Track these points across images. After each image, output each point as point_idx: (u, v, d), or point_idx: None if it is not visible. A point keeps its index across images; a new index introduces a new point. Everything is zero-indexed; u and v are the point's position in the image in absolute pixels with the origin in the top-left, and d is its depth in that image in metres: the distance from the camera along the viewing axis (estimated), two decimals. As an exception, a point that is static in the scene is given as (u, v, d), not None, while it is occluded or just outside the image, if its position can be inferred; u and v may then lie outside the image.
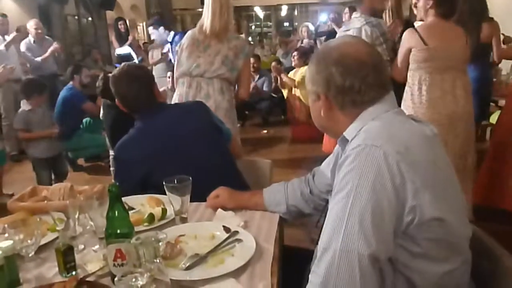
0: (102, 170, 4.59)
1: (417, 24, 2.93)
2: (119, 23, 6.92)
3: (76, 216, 1.29)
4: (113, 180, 1.83)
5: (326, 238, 0.95)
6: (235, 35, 2.68)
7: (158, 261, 0.95)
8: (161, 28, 4.81)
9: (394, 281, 0.99)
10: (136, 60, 6.26)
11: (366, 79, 1.04)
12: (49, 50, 5.39)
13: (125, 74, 1.74)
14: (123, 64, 1.83)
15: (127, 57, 6.28)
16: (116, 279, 0.90)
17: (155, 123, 1.73)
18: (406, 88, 2.63)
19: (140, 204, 1.55)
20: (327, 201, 1.41)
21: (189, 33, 2.67)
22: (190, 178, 1.36)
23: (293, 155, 4.87)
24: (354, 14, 3.01)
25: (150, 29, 4.88)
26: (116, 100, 1.80)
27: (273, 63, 5.78)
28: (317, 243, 1.23)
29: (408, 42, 2.55)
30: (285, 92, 5.61)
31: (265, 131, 5.89)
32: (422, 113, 2.48)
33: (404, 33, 2.58)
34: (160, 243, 0.95)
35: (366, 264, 0.89)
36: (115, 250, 1.03)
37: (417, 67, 2.55)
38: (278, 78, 5.56)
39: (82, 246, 1.28)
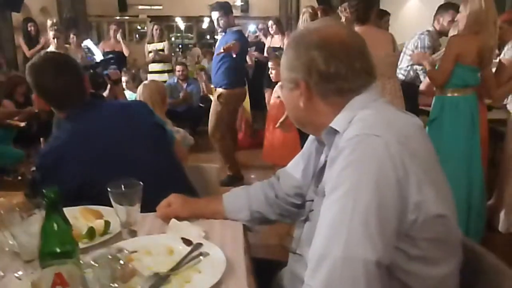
0: (8, 186, 4.03)
1: None
2: (29, 24, 6.29)
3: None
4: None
5: (323, 245, 0.81)
6: None
7: (116, 285, 0.74)
8: None
9: None
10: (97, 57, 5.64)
11: (353, 64, 0.94)
12: None
13: (51, 63, 1.46)
14: (42, 51, 1.55)
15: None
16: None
17: (90, 122, 1.47)
18: None
19: (73, 218, 1.29)
20: (294, 205, 1.28)
21: None
22: (141, 183, 1.15)
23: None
24: None
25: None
26: (33, 95, 1.52)
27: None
28: (294, 252, 1.10)
29: None
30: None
31: None
32: None
33: None
34: (121, 262, 0.74)
35: (373, 272, 0.77)
36: (53, 274, 0.79)
37: None
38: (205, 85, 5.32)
39: (1, 273, 1.00)
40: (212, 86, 4.30)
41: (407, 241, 0.85)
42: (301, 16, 3.64)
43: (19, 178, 4.11)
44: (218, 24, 3.88)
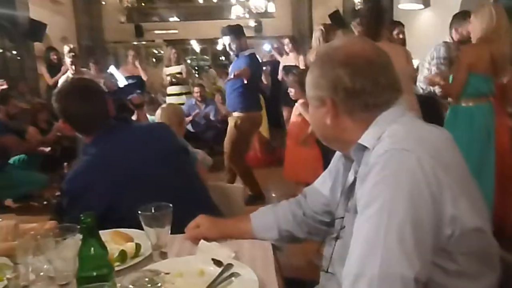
0: (35, 211, 4.10)
1: None
2: (51, 53, 6.48)
3: (28, 260, 1.03)
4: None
5: (358, 263, 0.80)
6: None
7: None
8: None
9: None
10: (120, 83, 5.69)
11: (379, 80, 0.94)
12: None
13: (76, 88, 1.51)
14: (66, 77, 1.60)
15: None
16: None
17: (114, 146, 1.49)
18: None
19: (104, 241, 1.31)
20: (323, 223, 1.27)
21: None
22: (171, 205, 1.16)
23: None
24: None
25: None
26: (60, 120, 1.57)
27: None
28: (325, 271, 1.09)
29: None
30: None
31: None
32: None
33: None
34: (159, 285, 0.75)
35: None
36: (91, 298, 0.81)
37: None
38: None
39: (38, 298, 1.01)
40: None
41: (444, 256, 0.83)
42: (314, 34, 3.68)
43: (45, 203, 4.19)
44: (230, 48, 3.91)
